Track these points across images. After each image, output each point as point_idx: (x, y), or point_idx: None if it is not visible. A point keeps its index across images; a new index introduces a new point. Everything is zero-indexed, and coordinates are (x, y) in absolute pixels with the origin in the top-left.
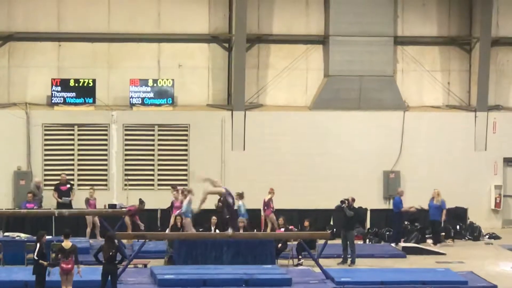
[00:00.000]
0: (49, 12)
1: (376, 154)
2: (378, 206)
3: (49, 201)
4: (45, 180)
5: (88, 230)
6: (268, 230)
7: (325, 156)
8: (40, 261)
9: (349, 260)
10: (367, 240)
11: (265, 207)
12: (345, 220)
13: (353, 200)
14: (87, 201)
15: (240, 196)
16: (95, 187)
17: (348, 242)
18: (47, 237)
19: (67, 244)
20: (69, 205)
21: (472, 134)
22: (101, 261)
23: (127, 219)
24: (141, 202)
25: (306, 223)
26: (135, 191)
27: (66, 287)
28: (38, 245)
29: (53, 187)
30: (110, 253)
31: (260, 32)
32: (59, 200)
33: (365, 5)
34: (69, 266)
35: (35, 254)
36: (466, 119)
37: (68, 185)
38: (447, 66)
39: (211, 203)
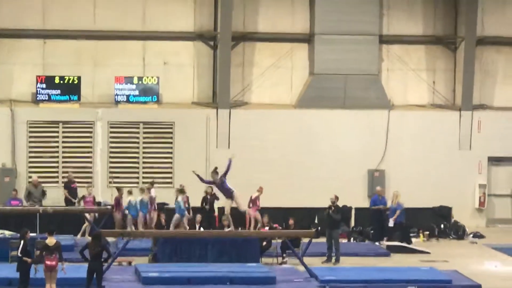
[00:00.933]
0: (34, 9)
1: (361, 152)
2: (362, 205)
3: (52, 200)
4: (29, 177)
5: (85, 226)
6: (251, 228)
7: (310, 155)
8: (24, 258)
9: (333, 259)
10: (352, 238)
11: (251, 204)
12: (330, 219)
13: (337, 198)
14: (83, 198)
15: (180, 191)
16: (80, 185)
17: (333, 241)
18: (32, 234)
19: (51, 241)
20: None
21: (457, 133)
22: (87, 258)
23: (116, 214)
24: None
25: (291, 222)
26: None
27: (50, 284)
28: (22, 242)
29: (62, 185)
30: (96, 251)
31: (245, 30)
32: (73, 199)
33: (350, 3)
34: (53, 263)
35: (19, 251)
36: (451, 118)
37: (76, 183)
38: (432, 65)
39: (194, 201)
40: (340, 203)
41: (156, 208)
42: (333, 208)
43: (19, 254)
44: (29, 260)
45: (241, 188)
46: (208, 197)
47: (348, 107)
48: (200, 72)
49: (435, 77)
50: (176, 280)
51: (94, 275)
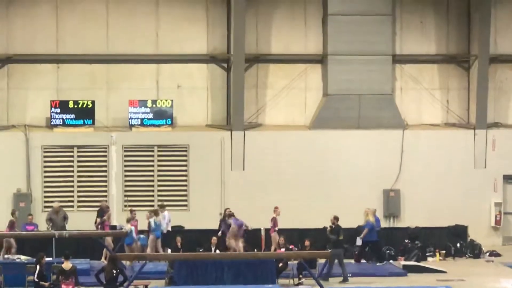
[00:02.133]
0: (47, 34)
1: (376, 172)
2: None
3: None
4: (45, 202)
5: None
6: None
7: (324, 175)
8: (41, 282)
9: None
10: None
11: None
12: (328, 240)
13: (336, 218)
14: (103, 222)
15: (155, 212)
16: (95, 209)
17: (338, 261)
18: (47, 258)
19: (67, 265)
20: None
21: (472, 151)
22: (102, 282)
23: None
24: None
25: (307, 243)
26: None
27: None
28: (38, 267)
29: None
30: (113, 274)
31: (258, 52)
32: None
33: (363, 24)
34: (70, 287)
35: (35, 276)
36: (465, 136)
37: (108, 210)
38: (445, 84)
39: (211, 223)
40: (355, 223)
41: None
42: (329, 228)
43: (36, 279)
44: (45, 284)
45: (256, 210)
46: (227, 218)
47: (362, 127)
48: (214, 94)
49: (448, 96)
50: None
51: None
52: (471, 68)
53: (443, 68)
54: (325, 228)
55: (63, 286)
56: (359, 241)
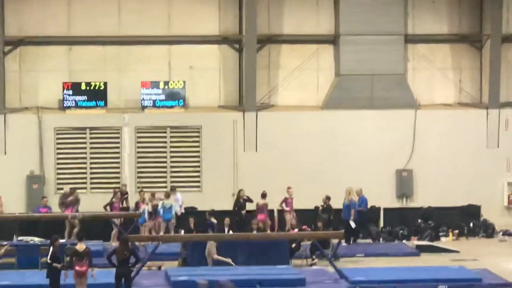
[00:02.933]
0: (59, 16)
1: (389, 152)
2: (391, 205)
3: (80, 206)
4: (58, 183)
5: (114, 232)
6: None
7: (337, 156)
8: (54, 264)
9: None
10: (381, 239)
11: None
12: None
13: (328, 198)
14: (112, 204)
15: (166, 195)
16: (108, 190)
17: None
18: (61, 240)
19: (81, 247)
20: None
21: (484, 131)
22: (114, 264)
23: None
24: None
25: (320, 224)
26: (148, 194)
27: None
28: (51, 248)
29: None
30: (124, 256)
31: (270, 33)
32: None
33: (375, 3)
34: (83, 268)
35: (49, 257)
36: (478, 116)
37: (126, 195)
38: (458, 64)
39: (224, 204)
40: (368, 204)
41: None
42: (320, 208)
43: (49, 261)
44: (59, 266)
45: (268, 190)
46: (241, 200)
47: (375, 108)
48: (226, 75)
49: (461, 76)
50: None
51: (123, 281)
52: (483, 48)
53: (456, 48)
54: (316, 208)
55: (76, 267)
56: (353, 224)
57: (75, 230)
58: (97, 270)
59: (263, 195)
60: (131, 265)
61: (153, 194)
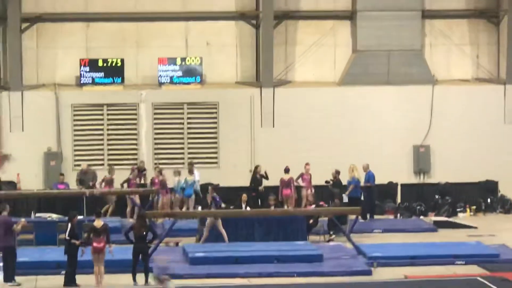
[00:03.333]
0: None
1: (406, 128)
2: (408, 181)
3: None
4: (75, 160)
5: (129, 209)
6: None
7: (354, 132)
8: (72, 240)
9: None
10: (398, 214)
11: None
12: (329, 193)
13: (338, 172)
14: (129, 180)
15: (189, 170)
16: (125, 167)
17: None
18: (79, 217)
19: (98, 223)
20: None
21: (502, 106)
22: (131, 240)
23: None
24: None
25: (337, 200)
26: (165, 170)
27: (98, 266)
28: (69, 225)
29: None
30: (142, 232)
31: (287, 9)
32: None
33: None
34: (101, 245)
35: (67, 234)
36: (495, 92)
37: (144, 172)
38: (475, 39)
39: (241, 180)
40: (385, 180)
41: (168, 191)
42: (331, 182)
43: (67, 237)
44: (77, 242)
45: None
46: (258, 176)
47: (392, 83)
48: (243, 51)
49: (478, 51)
50: (224, 260)
51: (140, 257)
52: (500, 23)
53: (473, 23)
54: (327, 182)
55: (94, 244)
56: (345, 198)
57: (110, 208)
58: (114, 247)
59: (287, 170)
60: (148, 242)
61: (160, 171)
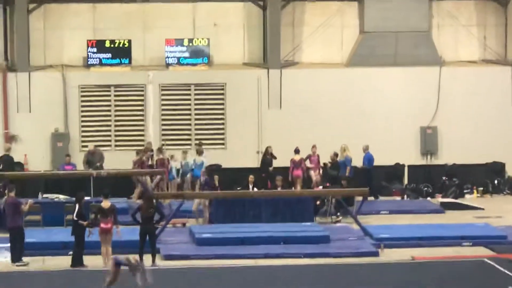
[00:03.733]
0: None
1: (413, 110)
2: (415, 162)
3: (105, 164)
4: (82, 141)
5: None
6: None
7: (361, 113)
8: (80, 221)
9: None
10: (405, 196)
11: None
12: (328, 176)
13: (336, 155)
14: (142, 162)
15: (198, 151)
16: (132, 148)
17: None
18: (86, 198)
19: (106, 204)
20: None
21: (509, 88)
22: (138, 221)
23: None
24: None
25: (344, 182)
26: (172, 151)
27: (106, 247)
28: (77, 206)
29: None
30: (149, 213)
31: None
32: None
33: None
34: (108, 226)
35: (75, 215)
36: (502, 73)
37: (151, 153)
38: (483, 21)
39: (248, 161)
40: (392, 161)
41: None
42: (329, 164)
43: (75, 218)
44: (84, 223)
45: (292, 148)
46: (268, 157)
47: (399, 65)
48: (250, 32)
49: (486, 33)
50: (230, 241)
51: (147, 238)
52: (508, 4)
53: (480, 4)
54: (325, 164)
55: (102, 224)
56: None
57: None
58: (121, 228)
59: (297, 151)
60: (155, 222)
61: (159, 149)
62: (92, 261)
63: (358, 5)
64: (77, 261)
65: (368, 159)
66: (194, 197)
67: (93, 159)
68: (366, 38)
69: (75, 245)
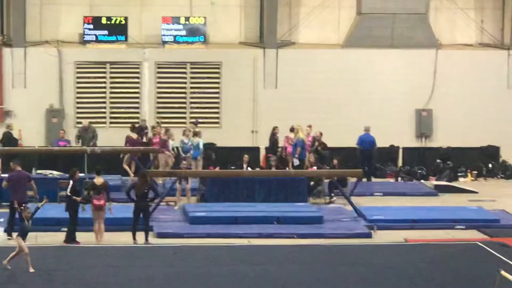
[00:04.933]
0: None
1: (408, 92)
2: (410, 144)
3: (100, 141)
4: (77, 118)
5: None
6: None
7: (357, 94)
8: (74, 197)
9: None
10: (399, 178)
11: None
12: (320, 156)
13: (321, 134)
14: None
15: (195, 133)
16: (127, 125)
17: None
18: (80, 174)
19: (98, 180)
20: None
21: (505, 72)
22: (132, 198)
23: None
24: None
25: (335, 162)
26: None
27: (99, 224)
28: (71, 182)
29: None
30: (143, 190)
31: None
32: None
33: None
34: (101, 202)
35: (68, 191)
36: (499, 57)
37: (146, 130)
38: (480, 4)
39: (243, 140)
40: (387, 143)
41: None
42: (321, 144)
43: (68, 194)
44: (78, 199)
45: (287, 128)
46: (276, 137)
47: (396, 47)
48: (247, 12)
49: (483, 16)
50: (224, 220)
51: (141, 215)
52: None
53: None
54: (313, 144)
55: (94, 201)
56: (296, 161)
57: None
58: (114, 205)
59: (292, 129)
60: (149, 200)
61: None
62: (84, 238)
63: None
64: (70, 238)
65: (370, 141)
66: (188, 176)
67: (86, 135)
68: (363, 19)
69: (70, 221)
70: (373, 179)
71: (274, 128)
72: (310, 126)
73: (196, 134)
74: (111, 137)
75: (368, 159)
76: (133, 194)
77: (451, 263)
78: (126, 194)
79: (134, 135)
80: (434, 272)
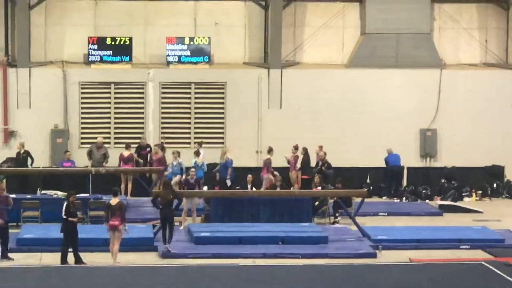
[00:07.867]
0: None
1: (413, 112)
2: (414, 164)
3: (112, 161)
4: (82, 138)
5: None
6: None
7: (361, 114)
8: (70, 218)
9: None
10: (404, 198)
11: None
12: (324, 176)
13: (325, 153)
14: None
15: (196, 153)
16: (132, 146)
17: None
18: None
19: (114, 201)
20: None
21: (509, 91)
22: (158, 207)
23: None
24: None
25: (339, 185)
26: (172, 149)
27: (114, 244)
28: (65, 203)
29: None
30: (169, 198)
31: None
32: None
33: None
34: (116, 223)
35: (63, 213)
36: (503, 76)
37: (148, 149)
38: (484, 24)
39: (247, 161)
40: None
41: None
42: (325, 164)
43: (63, 216)
44: (75, 219)
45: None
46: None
47: (400, 67)
48: (251, 32)
49: (487, 36)
50: (228, 240)
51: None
52: (510, 8)
53: (482, 8)
54: (317, 164)
55: (110, 221)
56: (229, 182)
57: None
58: (128, 225)
59: (296, 148)
60: (174, 208)
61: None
62: (91, 258)
63: (360, 6)
64: (64, 259)
65: (399, 158)
66: (193, 196)
67: (97, 153)
68: (367, 39)
69: (64, 242)
70: (377, 199)
71: (306, 149)
72: (321, 147)
73: (197, 154)
74: (116, 157)
75: (397, 178)
76: (159, 203)
77: (456, 282)
78: (152, 202)
79: (126, 153)
80: None
